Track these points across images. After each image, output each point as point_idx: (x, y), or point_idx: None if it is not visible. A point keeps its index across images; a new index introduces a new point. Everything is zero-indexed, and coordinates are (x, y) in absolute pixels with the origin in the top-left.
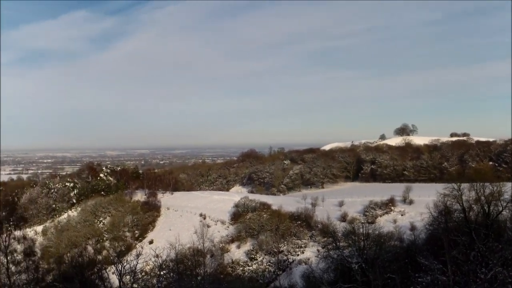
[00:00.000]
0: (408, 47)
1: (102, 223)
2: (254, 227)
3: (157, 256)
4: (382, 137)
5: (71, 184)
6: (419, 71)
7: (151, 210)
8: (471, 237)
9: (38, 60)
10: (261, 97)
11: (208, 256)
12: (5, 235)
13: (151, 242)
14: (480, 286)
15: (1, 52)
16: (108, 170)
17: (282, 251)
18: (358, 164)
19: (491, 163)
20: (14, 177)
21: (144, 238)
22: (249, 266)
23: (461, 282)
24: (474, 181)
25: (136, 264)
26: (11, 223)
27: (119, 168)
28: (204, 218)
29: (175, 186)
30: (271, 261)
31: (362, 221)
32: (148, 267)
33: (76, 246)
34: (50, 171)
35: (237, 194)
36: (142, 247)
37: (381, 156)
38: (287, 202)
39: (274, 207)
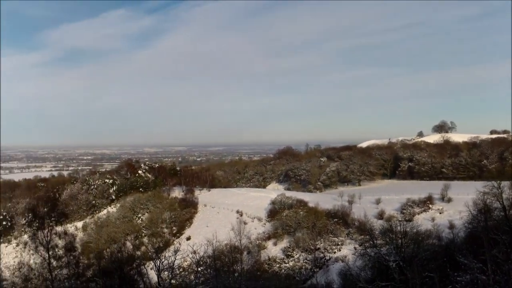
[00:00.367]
0: (444, 44)
1: (140, 219)
2: (291, 224)
3: (194, 252)
4: (420, 134)
5: (110, 181)
6: (457, 67)
7: (189, 206)
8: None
9: (78, 58)
10: (297, 94)
11: (245, 253)
12: (46, 230)
13: (188, 238)
14: None
15: (42, 51)
16: (146, 167)
17: (319, 248)
18: (395, 162)
19: None
20: (55, 173)
21: (181, 234)
22: (286, 263)
23: (501, 281)
24: None
25: (174, 260)
26: (52, 218)
27: (157, 165)
28: (241, 215)
29: (212, 183)
30: (308, 259)
31: (400, 219)
32: (186, 263)
33: (115, 241)
34: (90, 167)
35: (274, 191)
36: (179, 243)
37: (419, 154)
38: (324, 200)
39: (310, 204)
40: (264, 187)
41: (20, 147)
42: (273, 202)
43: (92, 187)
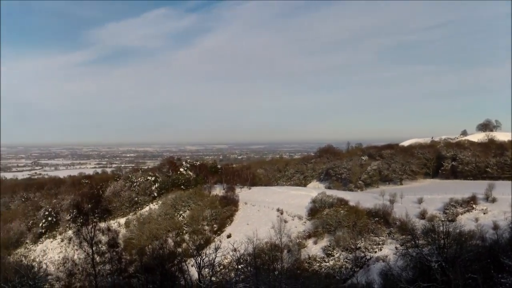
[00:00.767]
0: (487, 41)
1: (182, 216)
2: (331, 223)
3: (235, 250)
4: (464, 133)
5: (153, 178)
6: (500, 65)
7: (229, 204)
8: None
9: (121, 57)
10: (338, 92)
11: (285, 251)
12: (90, 226)
13: (229, 236)
14: None
15: (87, 50)
16: (188, 165)
17: (359, 247)
18: (438, 161)
19: None
20: (99, 170)
21: (222, 232)
22: (326, 262)
23: None
24: None
25: (215, 258)
26: (96, 215)
27: (198, 162)
28: (282, 213)
29: (253, 181)
30: (348, 258)
31: (442, 219)
32: (226, 260)
33: (157, 238)
34: (133, 165)
35: (314, 189)
36: (220, 241)
37: (462, 153)
38: (365, 199)
39: (351, 203)
40: (305, 185)
41: (66, 144)
42: (313, 201)
43: (135, 184)
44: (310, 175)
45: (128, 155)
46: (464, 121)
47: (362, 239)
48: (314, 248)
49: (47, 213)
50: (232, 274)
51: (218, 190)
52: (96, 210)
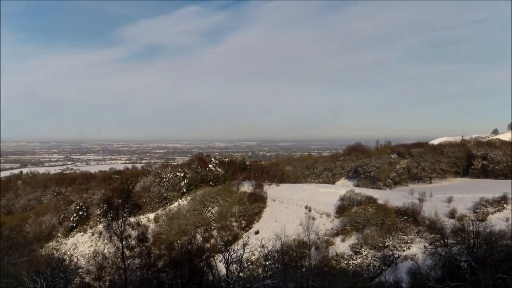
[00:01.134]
0: None
1: (210, 212)
2: (359, 221)
3: (262, 246)
4: (495, 132)
5: (182, 174)
6: None
7: (258, 201)
8: None
9: (153, 54)
10: (368, 90)
11: (313, 248)
12: (120, 221)
13: (257, 232)
14: None
15: (119, 47)
16: (217, 161)
17: (388, 246)
18: (468, 160)
19: None
20: (129, 166)
21: (250, 228)
22: (354, 260)
23: None
24: None
25: (243, 254)
26: (126, 209)
27: (227, 159)
28: (310, 211)
29: (281, 178)
30: (376, 256)
31: (472, 219)
32: (254, 257)
33: (185, 233)
34: (162, 161)
35: (343, 187)
36: (248, 237)
37: (493, 152)
38: (393, 197)
39: (380, 201)
40: (333, 183)
41: (97, 140)
42: (342, 198)
43: (164, 180)
44: (338, 173)
45: (158, 151)
46: (495, 120)
47: (390, 237)
48: (341, 246)
49: (78, 207)
50: (260, 270)
51: (247, 187)
52: (126, 205)
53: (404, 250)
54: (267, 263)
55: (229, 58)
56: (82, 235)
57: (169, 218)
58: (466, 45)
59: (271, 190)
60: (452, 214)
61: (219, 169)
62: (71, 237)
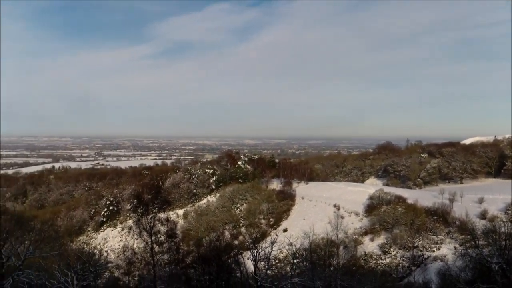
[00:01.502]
0: None
1: (239, 209)
2: (389, 220)
3: (290, 244)
4: None
5: (211, 171)
6: None
7: (286, 199)
8: None
9: (182, 51)
10: (398, 88)
11: (341, 247)
12: (150, 216)
13: (285, 230)
14: None
15: (150, 44)
16: (246, 158)
17: (417, 246)
18: (500, 160)
19: None
20: (159, 162)
21: (278, 226)
22: (382, 260)
23: None
24: None
25: (271, 251)
26: (155, 205)
27: (256, 156)
28: (338, 209)
29: (310, 176)
30: (405, 256)
31: (504, 220)
32: (282, 254)
33: (214, 230)
34: (192, 157)
35: (372, 186)
36: (276, 235)
37: None
38: (423, 196)
39: (409, 201)
40: (362, 181)
41: (128, 136)
42: (371, 197)
43: (194, 176)
44: (368, 172)
45: (187, 147)
46: None
47: (420, 237)
48: (370, 245)
49: (108, 202)
50: (288, 268)
51: (275, 184)
52: (156, 201)
53: (433, 251)
54: (295, 261)
55: (258, 55)
56: (112, 230)
57: (198, 215)
58: (495, 43)
59: (300, 188)
60: (483, 215)
61: (248, 166)
62: (101, 231)
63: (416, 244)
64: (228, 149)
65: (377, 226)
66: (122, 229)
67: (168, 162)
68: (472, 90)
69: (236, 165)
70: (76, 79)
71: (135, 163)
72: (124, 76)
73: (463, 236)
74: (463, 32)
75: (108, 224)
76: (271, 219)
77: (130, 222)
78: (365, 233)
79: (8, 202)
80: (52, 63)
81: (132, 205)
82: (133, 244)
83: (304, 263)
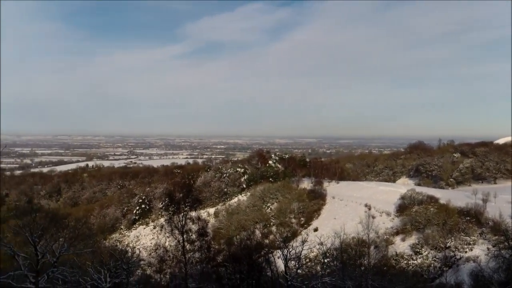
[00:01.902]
0: None
1: (269, 208)
2: (420, 221)
3: (321, 243)
4: None
5: (242, 170)
6: None
7: (317, 198)
8: None
9: (214, 51)
10: (430, 88)
11: (372, 247)
12: (181, 215)
13: (315, 229)
14: None
15: (182, 44)
16: (277, 158)
17: (449, 247)
18: None
19: None
20: (190, 161)
21: (309, 225)
22: (414, 260)
23: None
24: None
25: (301, 251)
26: (187, 204)
27: (287, 155)
28: (369, 209)
29: (341, 175)
30: (437, 257)
31: None
32: (313, 254)
33: (244, 229)
34: (223, 156)
35: (404, 186)
36: (307, 234)
37: None
38: (456, 197)
39: (441, 201)
40: (394, 181)
41: (160, 135)
42: (402, 197)
43: (225, 175)
44: (399, 171)
45: (218, 146)
46: None
47: (452, 238)
48: (401, 245)
49: (140, 200)
50: (318, 268)
51: (306, 184)
52: (187, 199)
53: (466, 252)
54: (325, 260)
55: (290, 55)
56: (144, 228)
57: (228, 213)
58: None
59: (331, 188)
60: None
61: (279, 166)
62: (133, 229)
63: (448, 244)
64: (259, 148)
65: (408, 226)
66: (154, 227)
67: (200, 161)
68: (503, 90)
69: (267, 164)
70: (109, 78)
71: (167, 161)
72: (156, 76)
73: (497, 237)
74: (494, 32)
75: (140, 222)
76: (301, 218)
77: (161, 220)
78: (396, 233)
79: (43, 199)
80: (86, 63)
81: (163, 203)
82: (165, 242)
83: (335, 262)
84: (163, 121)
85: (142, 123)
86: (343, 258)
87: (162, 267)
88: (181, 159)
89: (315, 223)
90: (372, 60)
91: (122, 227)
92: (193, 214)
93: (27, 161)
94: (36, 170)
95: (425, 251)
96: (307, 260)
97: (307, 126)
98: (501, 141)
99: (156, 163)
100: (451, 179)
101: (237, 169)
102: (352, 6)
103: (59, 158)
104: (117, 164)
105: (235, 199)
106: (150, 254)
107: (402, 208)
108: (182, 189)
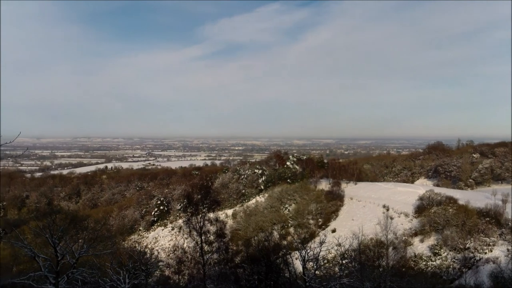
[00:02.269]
0: None
1: (287, 209)
2: (439, 222)
3: (339, 245)
4: None
5: (260, 171)
6: None
7: (335, 199)
8: None
9: (233, 52)
10: (449, 88)
11: (391, 248)
12: (199, 216)
13: (333, 230)
14: None
15: (201, 45)
16: (295, 159)
17: (468, 248)
18: None
19: None
20: (208, 162)
21: (327, 226)
22: (433, 261)
23: None
24: None
25: (319, 252)
26: (205, 205)
27: (305, 157)
28: (387, 210)
29: (359, 176)
30: (456, 258)
31: None
32: (330, 255)
33: (262, 230)
34: (241, 158)
35: (422, 186)
36: (325, 235)
37: None
38: (475, 197)
39: (460, 202)
40: (412, 182)
41: (178, 136)
42: (421, 198)
43: (242, 176)
44: (417, 172)
45: (236, 148)
46: None
47: (472, 239)
48: (420, 247)
49: (159, 202)
50: (336, 269)
51: (324, 185)
52: (205, 201)
53: (486, 253)
54: (343, 261)
55: (308, 56)
56: (163, 229)
57: (246, 215)
58: None
59: (349, 188)
60: None
61: (296, 167)
62: (152, 231)
63: (467, 245)
64: (277, 149)
65: (427, 227)
66: (172, 229)
67: (218, 162)
68: None
69: (285, 166)
70: (128, 80)
71: (185, 163)
72: (175, 77)
73: None
74: None
75: (158, 224)
76: (319, 220)
77: (180, 221)
78: (415, 234)
79: (62, 201)
80: (105, 65)
81: (182, 205)
82: (183, 243)
83: (353, 263)
84: (181, 122)
85: (161, 125)
86: (361, 259)
87: (181, 268)
88: (199, 161)
89: (333, 224)
90: (390, 60)
91: (140, 228)
92: (211, 215)
93: (47, 163)
94: (56, 172)
95: (444, 252)
96: (325, 261)
97: (325, 127)
98: None
99: (174, 164)
100: (470, 180)
101: (255, 171)
102: (370, 6)
103: (78, 160)
104: (136, 166)
105: (253, 200)
106: (168, 255)
107: (421, 209)
108: (200, 190)
